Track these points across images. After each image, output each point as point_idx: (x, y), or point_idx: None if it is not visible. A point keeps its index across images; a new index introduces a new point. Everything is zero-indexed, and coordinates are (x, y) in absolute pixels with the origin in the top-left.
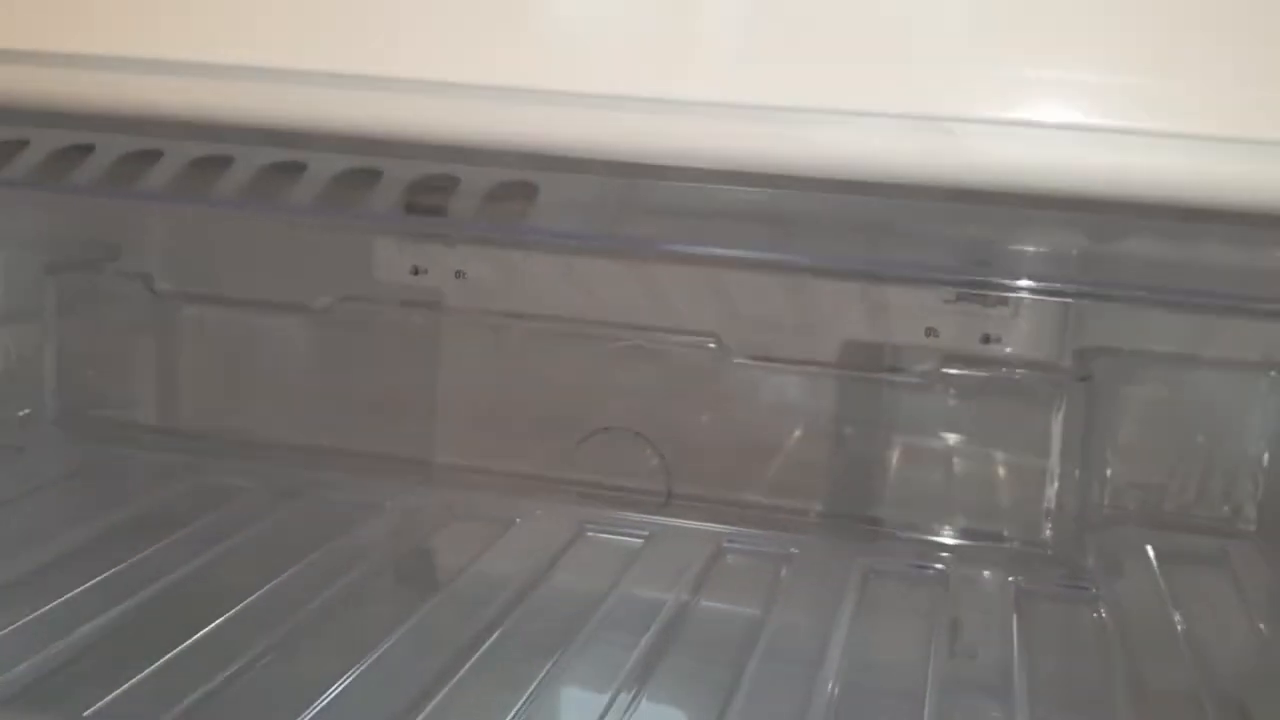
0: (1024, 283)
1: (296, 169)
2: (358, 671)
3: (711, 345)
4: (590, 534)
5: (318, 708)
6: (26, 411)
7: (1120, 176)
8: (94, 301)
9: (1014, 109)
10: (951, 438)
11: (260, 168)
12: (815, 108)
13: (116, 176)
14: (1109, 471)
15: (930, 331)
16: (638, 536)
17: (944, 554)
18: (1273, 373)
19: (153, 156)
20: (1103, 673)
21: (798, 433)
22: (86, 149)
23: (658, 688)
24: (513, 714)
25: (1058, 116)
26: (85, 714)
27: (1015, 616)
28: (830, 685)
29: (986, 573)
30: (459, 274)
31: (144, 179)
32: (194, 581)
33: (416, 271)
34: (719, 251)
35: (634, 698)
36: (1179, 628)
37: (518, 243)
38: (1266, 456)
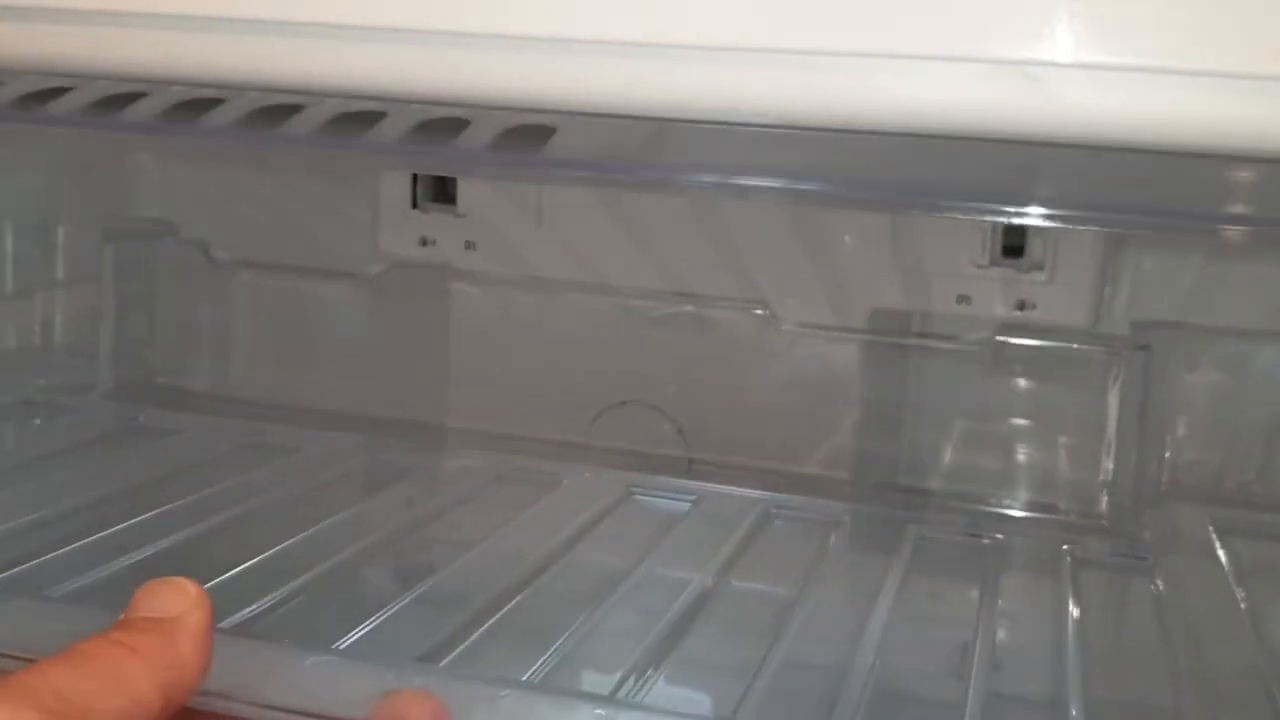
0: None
1: (290, 110)
2: (388, 614)
3: (759, 312)
4: (638, 497)
5: (350, 640)
6: (81, 377)
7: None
8: (150, 270)
9: (1107, 52)
10: (1006, 407)
11: (253, 110)
12: (890, 53)
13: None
14: (1167, 445)
15: (962, 299)
16: (685, 500)
17: (998, 524)
18: None
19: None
20: (1163, 648)
21: (839, 404)
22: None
23: (693, 646)
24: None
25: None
26: None
27: (1070, 587)
28: (872, 656)
29: (1041, 543)
30: (469, 245)
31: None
32: (240, 521)
33: (425, 243)
34: (742, 181)
35: (664, 658)
36: (1242, 605)
37: (531, 208)
38: None
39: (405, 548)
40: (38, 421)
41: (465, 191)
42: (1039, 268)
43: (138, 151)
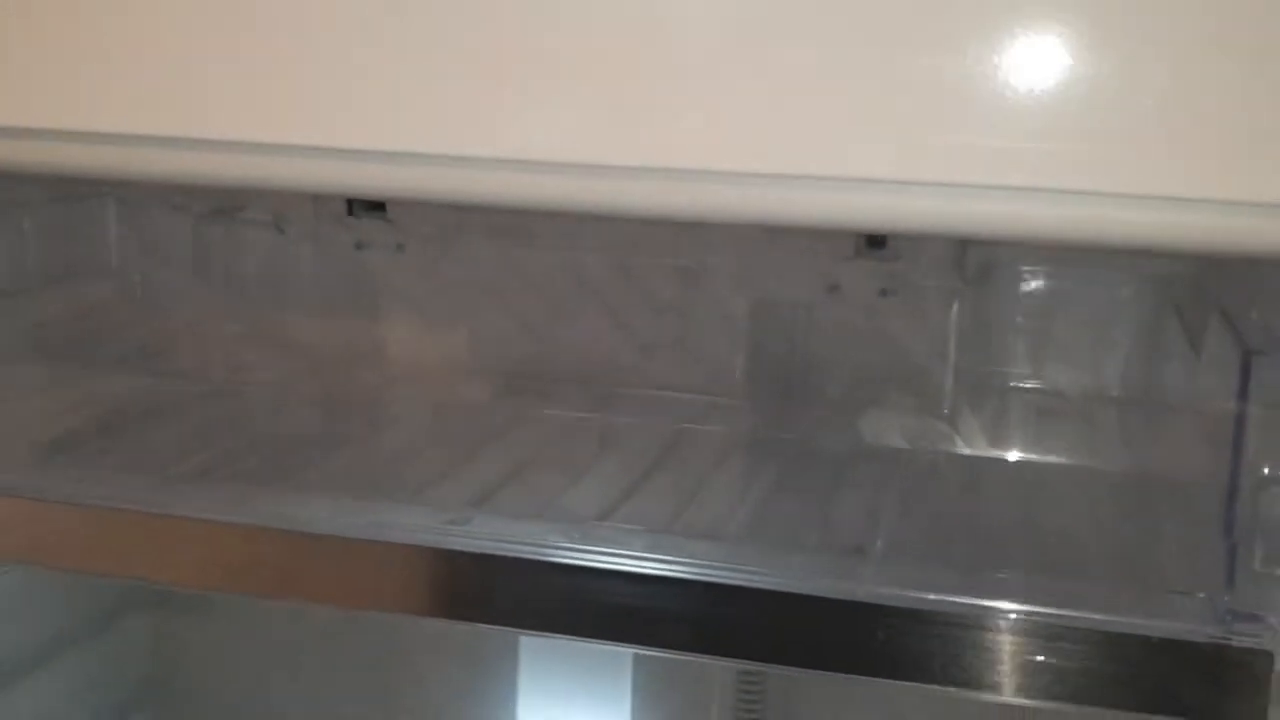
0: None
1: None
2: None
3: None
4: None
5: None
6: None
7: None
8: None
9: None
10: (859, 326)
11: None
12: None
13: None
14: (1004, 350)
15: (832, 288)
16: None
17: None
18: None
19: None
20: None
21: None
22: None
23: None
24: None
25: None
26: None
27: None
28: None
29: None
30: (400, 247)
31: None
32: None
33: (360, 246)
34: None
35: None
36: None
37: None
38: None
39: None
40: None
41: None
42: (898, 258)
43: None
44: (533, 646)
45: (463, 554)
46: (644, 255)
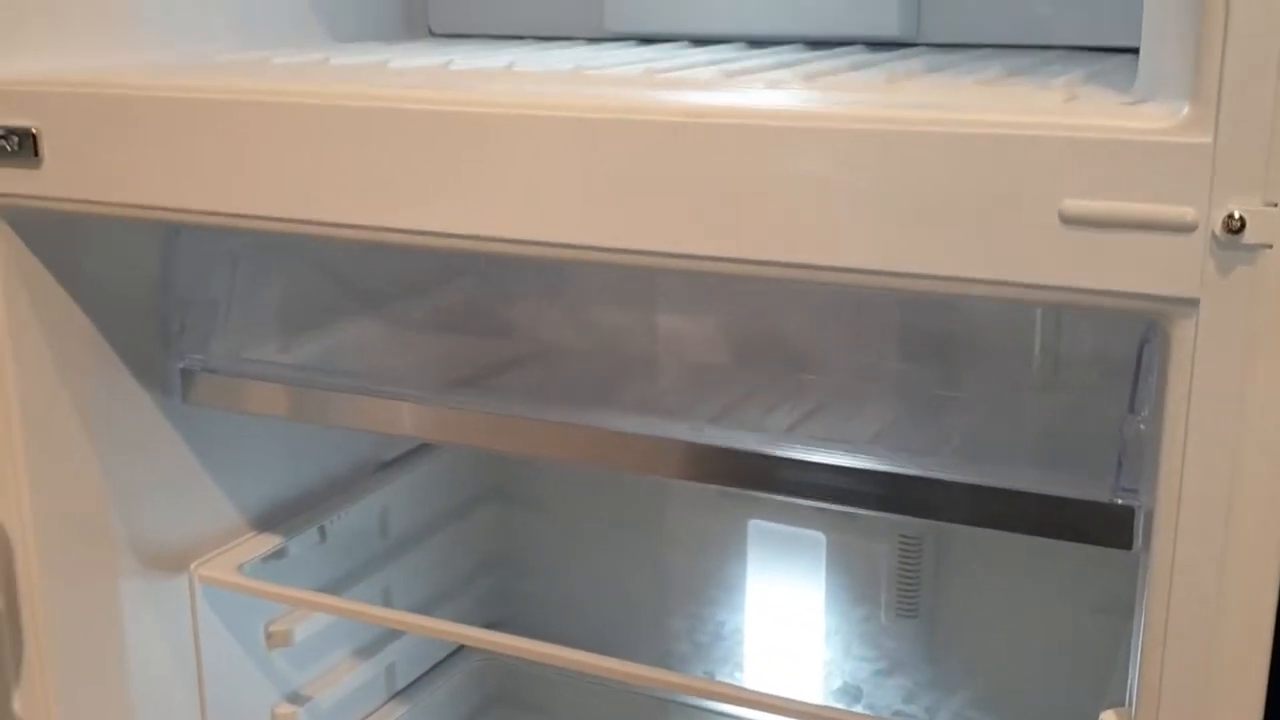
0: None
1: None
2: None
3: None
4: None
5: None
6: None
7: None
8: None
9: None
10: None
11: None
12: None
13: None
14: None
15: None
16: None
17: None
18: None
19: None
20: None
21: None
22: None
23: None
24: None
25: None
26: None
27: None
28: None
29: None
30: None
31: None
32: None
33: None
34: None
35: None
36: None
37: None
38: None
39: None
40: None
41: None
42: None
43: None
44: (758, 531)
45: (703, 445)
46: None
